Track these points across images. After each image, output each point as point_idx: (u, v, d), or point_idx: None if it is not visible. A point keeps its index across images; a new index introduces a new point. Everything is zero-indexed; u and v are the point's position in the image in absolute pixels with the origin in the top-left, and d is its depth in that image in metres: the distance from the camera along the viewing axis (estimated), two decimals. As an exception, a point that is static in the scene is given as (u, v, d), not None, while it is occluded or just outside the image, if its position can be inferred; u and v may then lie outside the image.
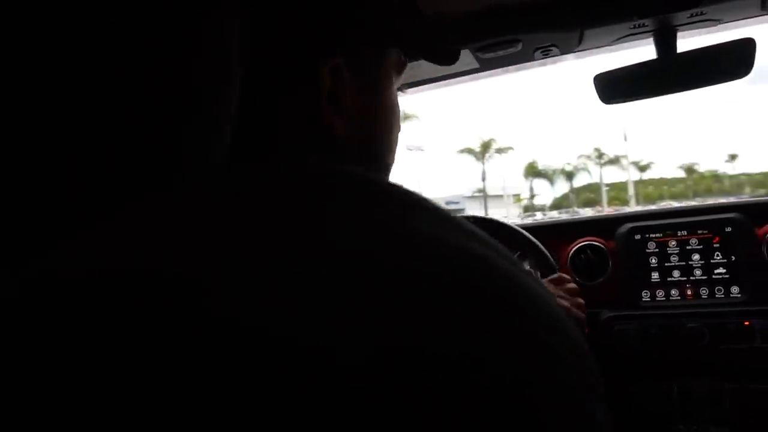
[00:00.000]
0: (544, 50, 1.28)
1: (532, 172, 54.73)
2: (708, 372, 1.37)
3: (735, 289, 1.34)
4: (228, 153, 0.39)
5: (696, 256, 1.38)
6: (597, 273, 1.47)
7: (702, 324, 1.31)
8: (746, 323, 1.28)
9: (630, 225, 1.45)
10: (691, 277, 1.38)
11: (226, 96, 0.39)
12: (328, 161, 0.47)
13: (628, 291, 1.44)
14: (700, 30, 1.23)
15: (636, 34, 1.22)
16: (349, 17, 0.49)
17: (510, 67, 1.39)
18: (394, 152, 0.58)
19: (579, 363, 0.30)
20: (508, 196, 55.53)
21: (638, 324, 1.37)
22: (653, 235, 1.42)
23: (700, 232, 1.38)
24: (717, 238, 1.36)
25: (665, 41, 1.19)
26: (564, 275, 1.11)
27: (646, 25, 1.17)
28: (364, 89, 0.52)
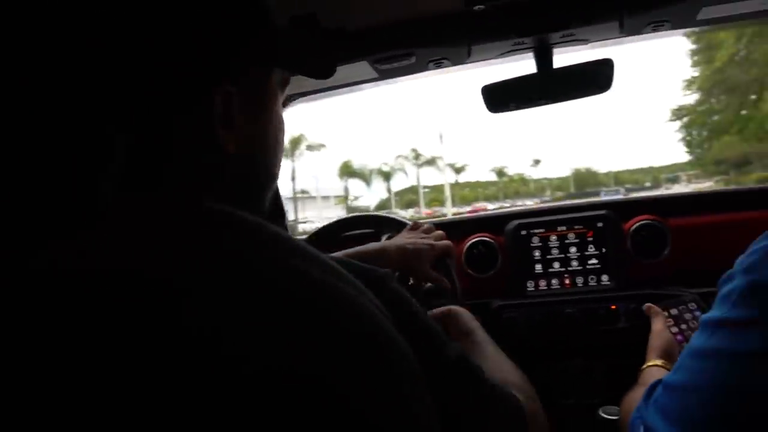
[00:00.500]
0: (437, 62, 1.36)
1: (348, 171, 51.93)
2: (583, 351, 1.53)
3: (605, 278, 1.51)
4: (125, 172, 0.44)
5: (573, 249, 1.54)
6: (488, 266, 1.60)
7: (578, 310, 1.46)
8: (613, 307, 1.45)
9: (517, 222, 1.59)
10: (569, 268, 1.54)
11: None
12: (221, 179, 0.52)
13: (516, 282, 1.57)
14: (583, 47, 1.36)
15: (518, 50, 1.33)
16: (238, 45, 0.52)
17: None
18: (281, 162, 0.63)
19: (387, 352, 0.42)
20: (326, 197, 53.47)
21: (524, 311, 1.51)
22: (537, 231, 1.56)
23: (576, 227, 1.54)
24: (591, 233, 1.52)
25: (543, 57, 1.31)
26: (418, 222, 1.23)
27: (526, 43, 1.28)
28: (253, 109, 0.55)
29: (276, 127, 0.60)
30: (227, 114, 0.50)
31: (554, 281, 1.55)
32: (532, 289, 1.56)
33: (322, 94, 1.54)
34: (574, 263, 1.53)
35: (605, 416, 1.20)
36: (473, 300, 1.57)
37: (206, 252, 0.38)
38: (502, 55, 1.36)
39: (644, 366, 1.01)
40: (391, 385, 0.41)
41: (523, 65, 1.35)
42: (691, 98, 30.31)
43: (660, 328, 1.07)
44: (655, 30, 1.25)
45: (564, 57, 1.34)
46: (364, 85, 1.49)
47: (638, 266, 1.50)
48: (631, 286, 1.47)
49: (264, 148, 0.58)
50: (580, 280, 1.53)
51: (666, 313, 1.15)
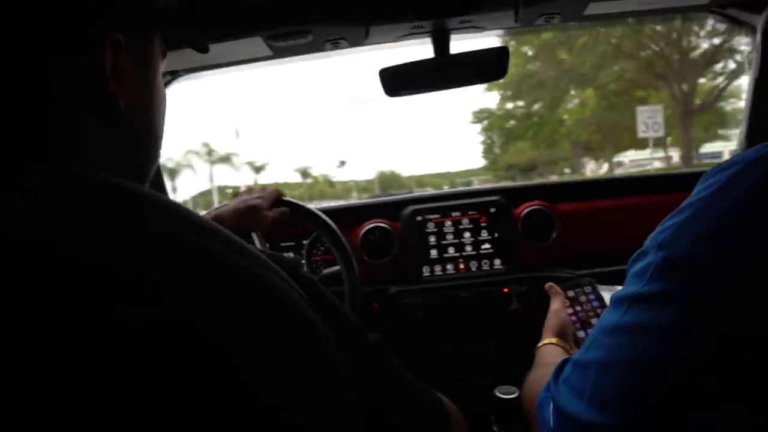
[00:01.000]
0: (334, 42, 1.31)
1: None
2: (477, 334, 1.58)
3: (497, 262, 1.56)
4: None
5: (467, 234, 1.57)
6: (384, 252, 1.59)
7: (472, 293, 1.50)
8: (505, 290, 1.50)
9: (412, 207, 1.59)
10: (463, 253, 1.57)
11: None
12: (112, 136, 0.48)
13: (412, 267, 1.58)
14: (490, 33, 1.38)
15: (416, 33, 1.31)
16: None
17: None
18: (164, 130, 0.59)
19: (297, 330, 0.41)
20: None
21: (421, 297, 1.52)
22: (432, 217, 1.58)
23: (470, 213, 1.57)
24: (484, 218, 1.56)
25: (440, 42, 1.30)
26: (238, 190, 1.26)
27: (424, 27, 1.26)
28: (138, 69, 0.52)
29: (160, 92, 0.57)
30: (116, 66, 0.47)
31: (449, 266, 1.57)
32: (428, 274, 1.57)
33: (213, 70, 1.43)
34: (468, 248, 1.57)
35: (501, 396, 1.23)
36: (370, 286, 1.56)
37: (107, 227, 0.36)
38: (401, 38, 1.34)
39: (540, 344, 1.03)
40: (304, 363, 0.39)
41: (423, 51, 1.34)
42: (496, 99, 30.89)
43: (558, 307, 1.09)
44: (547, 21, 1.29)
45: (462, 44, 1.36)
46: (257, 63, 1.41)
47: (528, 250, 1.56)
48: (522, 269, 1.54)
49: (151, 110, 0.55)
50: (473, 265, 1.56)
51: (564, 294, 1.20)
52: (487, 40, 1.43)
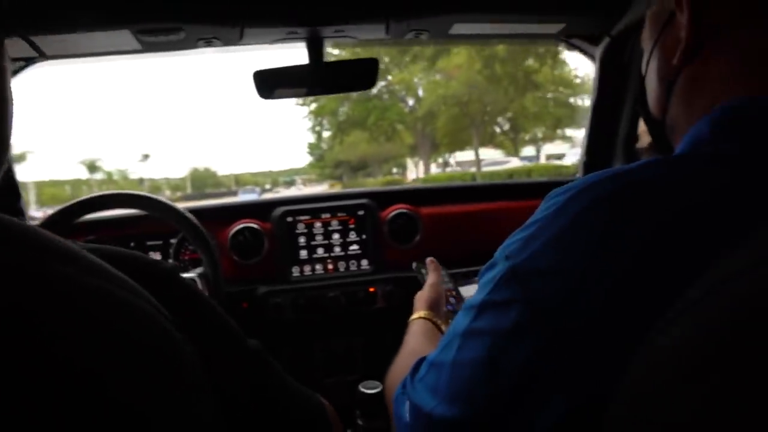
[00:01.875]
0: (207, 41, 1.29)
1: None
2: (344, 332, 1.63)
3: (365, 262, 1.62)
4: None
5: (336, 236, 1.61)
6: (254, 253, 1.59)
7: (340, 293, 1.55)
8: (371, 289, 1.56)
9: (283, 209, 1.60)
10: (332, 254, 1.61)
11: None
12: None
13: (281, 268, 1.59)
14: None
15: (291, 38, 1.32)
16: None
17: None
18: (10, 131, 0.53)
19: (162, 354, 0.39)
20: None
21: (290, 297, 1.54)
22: (302, 218, 1.60)
23: (340, 215, 1.61)
24: (352, 220, 1.61)
25: (314, 49, 1.33)
26: None
27: (299, 33, 1.28)
28: None
29: (7, 83, 0.51)
30: None
31: (318, 266, 1.60)
32: (298, 274, 1.59)
33: (76, 59, 1.34)
34: (337, 249, 1.61)
35: (365, 391, 1.29)
36: (239, 286, 1.55)
37: None
38: (276, 41, 1.35)
39: (412, 317, 1.04)
40: (167, 385, 0.38)
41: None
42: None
43: (434, 281, 1.11)
44: (416, 37, 1.36)
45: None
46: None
47: (394, 251, 1.63)
48: (388, 269, 1.61)
49: (4, 117, 0.49)
50: (342, 265, 1.61)
51: (426, 272, 1.24)
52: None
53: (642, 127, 1.62)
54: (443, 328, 1.00)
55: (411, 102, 24.44)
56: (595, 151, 1.72)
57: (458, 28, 1.35)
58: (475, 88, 20.21)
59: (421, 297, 1.08)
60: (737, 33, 0.50)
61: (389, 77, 23.14)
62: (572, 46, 1.60)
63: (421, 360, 0.64)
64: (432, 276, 1.14)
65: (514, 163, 22.26)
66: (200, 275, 1.32)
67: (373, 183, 25.20)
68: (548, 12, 1.34)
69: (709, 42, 0.52)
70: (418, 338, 0.95)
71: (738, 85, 0.50)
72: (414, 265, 1.23)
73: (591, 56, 1.61)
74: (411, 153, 27.01)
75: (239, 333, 0.54)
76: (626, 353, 0.40)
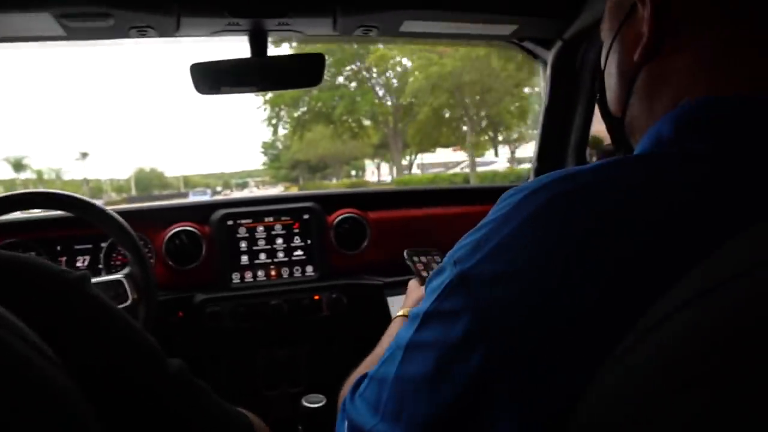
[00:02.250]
0: (140, 30, 1.21)
1: None
2: (288, 341, 1.56)
3: (309, 269, 1.55)
4: None
5: (280, 240, 1.53)
6: (191, 258, 1.50)
7: (283, 300, 1.47)
8: (316, 297, 1.49)
9: (223, 211, 1.51)
10: (275, 259, 1.53)
11: None
12: None
13: (221, 274, 1.51)
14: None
15: (231, 30, 1.25)
16: None
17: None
18: None
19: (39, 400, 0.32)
20: None
21: (229, 304, 1.46)
22: (244, 221, 1.52)
23: (283, 218, 1.54)
24: (297, 224, 1.54)
25: (257, 42, 1.26)
26: None
27: (240, 25, 1.21)
28: None
29: None
30: None
31: (260, 273, 1.53)
32: (238, 281, 1.51)
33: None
34: (281, 254, 1.54)
35: (308, 405, 1.22)
36: (174, 294, 1.46)
37: None
38: (216, 33, 1.27)
39: (395, 314, 0.98)
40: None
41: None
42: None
43: (416, 283, 1.06)
44: (365, 33, 1.31)
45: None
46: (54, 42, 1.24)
47: (340, 257, 1.57)
48: (334, 276, 1.54)
49: None
50: (285, 272, 1.54)
51: (418, 259, 1.18)
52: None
53: (600, 128, 1.62)
54: None
55: (381, 92, 21.57)
56: (547, 156, 1.71)
57: (409, 26, 1.30)
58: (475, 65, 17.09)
59: (411, 292, 1.03)
60: (699, 30, 0.48)
61: (364, 61, 20.50)
62: (523, 50, 1.58)
63: (363, 376, 0.60)
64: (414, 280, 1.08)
65: (502, 164, 20.58)
66: (127, 276, 1.24)
67: (333, 186, 23.27)
68: (500, 12, 1.31)
69: (670, 39, 0.50)
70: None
71: (700, 84, 0.48)
72: (406, 252, 1.18)
73: (543, 60, 1.59)
74: (373, 154, 25.53)
75: (156, 352, 0.49)
76: (590, 365, 0.37)
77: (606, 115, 0.64)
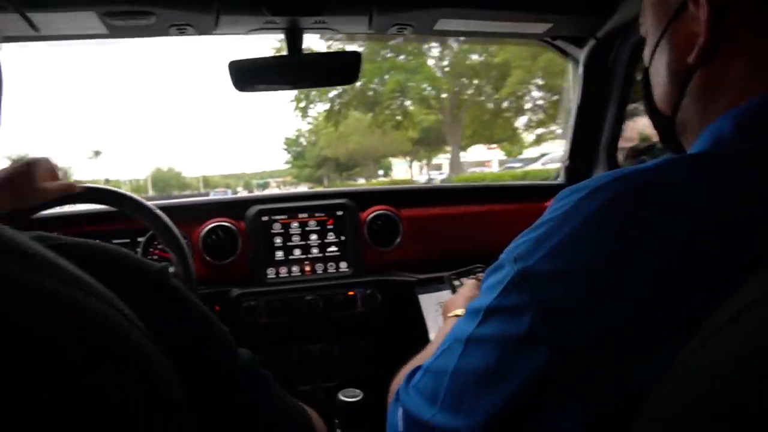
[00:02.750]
0: (180, 28, 1.24)
1: None
2: (322, 337, 1.57)
3: (343, 265, 1.56)
4: None
5: (314, 236, 1.55)
6: (227, 253, 1.52)
7: (317, 296, 1.49)
8: (350, 293, 1.51)
9: (258, 207, 1.54)
10: (310, 255, 1.55)
11: None
12: None
13: (256, 269, 1.53)
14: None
15: (269, 28, 1.28)
16: None
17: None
18: None
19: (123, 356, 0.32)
20: None
21: (264, 299, 1.48)
22: (278, 217, 1.54)
23: (317, 215, 1.56)
24: (331, 221, 1.56)
25: (293, 40, 1.28)
26: None
27: (277, 23, 1.24)
28: None
29: None
30: None
31: (295, 268, 1.55)
32: (273, 276, 1.53)
33: (37, 41, 1.27)
34: (315, 250, 1.55)
35: (344, 399, 1.23)
36: (211, 288, 1.49)
37: None
38: (253, 31, 1.30)
39: (449, 314, 0.99)
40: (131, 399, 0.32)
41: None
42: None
43: (473, 282, 1.07)
44: (400, 31, 1.33)
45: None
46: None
47: (373, 253, 1.58)
48: (367, 272, 1.56)
49: None
50: (320, 267, 1.55)
51: (459, 283, 1.20)
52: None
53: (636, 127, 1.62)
54: None
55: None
56: (578, 155, 1.71)
57: (443, 24, 1.32)
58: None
59: (461, 294, 1.03)
60: (756, 35, 0.48)
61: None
62: (555, 48, 1.59)
63: (419, 366, 0.61)
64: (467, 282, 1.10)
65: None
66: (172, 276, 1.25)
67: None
68: (535, 11, 1.32)
69: (727, 43, 0.50)
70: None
71: (758, 86, 0.48)
72: (445, 276, 1.20)
73: (574, 59, 1.59)
74: (410, 150, 22.37)
75: (229, 344, 0.51)
76: (651, 363, 0.38)
77: (654, 113, 0.63)
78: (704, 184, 0.43)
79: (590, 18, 1.40)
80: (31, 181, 0.97)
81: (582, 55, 1.54)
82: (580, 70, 1.57)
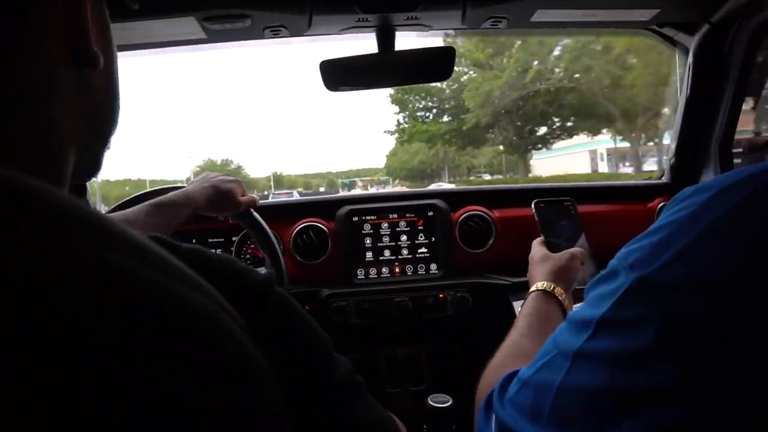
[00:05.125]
0: (274, 30, 1.26)
1: None
2: (410, 339, 1.55)
3: (433, 267, 1.53)
4: None
5: (404, 237, 1.53)
6: (318, 253, 1.53)
7: (407, 298, 1.46)
8: (441, 296, 1.47)
9: (349, 207, 1.53)
10: (399, 256, 1.53)
11: None
12: (86, 103, 0.42)
13: (346, 269, 1.53)
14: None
15: (360, 26, 1.27)
16: None
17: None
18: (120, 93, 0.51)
19: (225, 360, 0.32)
20: None
21: (353, 300, 1.47)
22: (368, 218, 1.53)
23: (408, 215, 1.53)
24: (421, 222, 1.53)
25: (385, 38, 1.27)
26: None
27: (369, 21, 1.23)
28: (102, 27, 0.44)
29: (116, 55, 0.49)
30: (89, 20, 0.40)
31: (384, 269, 1.53)
32: (363, 277, 1.52)
33: (141, 51, 1.33)
34: (405, 251, 1.53)
35: (434, 404, 1.20)
36: (301, 288, 1.50)
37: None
38: (344, 30, 1.30)
39: (531, 289, 0.95)
40: (230, 396, 0.32)
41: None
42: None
43: (577, 252, 1.01)
44: (494, 25, 1.28)
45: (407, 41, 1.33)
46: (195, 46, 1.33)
47: (464, 255, 1.54)
48: (458, 274, 1.52)
49: (114, 73, 0.47)
50: (409, 269, 1.53)
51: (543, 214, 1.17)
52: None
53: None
54: (569, 308, 0.90)
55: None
56: (686, 153, 1.58)
57: (541, 15, 1.26)
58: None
59: (535, 263, 1.01)
60: None
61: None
62: (662, 36, 1.48)
63: (512, 375, 0.58)
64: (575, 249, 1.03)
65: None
66: None
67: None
68: None
69: None
70: (531, 326, 0.85)
71: None
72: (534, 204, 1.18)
73: (683, 47, 1.48)
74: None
75: (331, 359, 0.49)
76: None
77: None
78: None
79: (703, 1, 1.29)
80: (236, 194, 1.16)
81: (693, 42, 1.43)
82: (690, 59, 1.45)
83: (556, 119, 19.67)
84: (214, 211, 1.15)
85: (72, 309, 0.26)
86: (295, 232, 1.53)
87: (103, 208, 1.45)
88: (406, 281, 1.51)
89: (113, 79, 0.47)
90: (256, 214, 1.24)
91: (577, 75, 17.73)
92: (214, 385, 0.30)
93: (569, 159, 24.17)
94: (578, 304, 0.64)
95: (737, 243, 0.40)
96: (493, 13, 1.23)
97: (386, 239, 1.53)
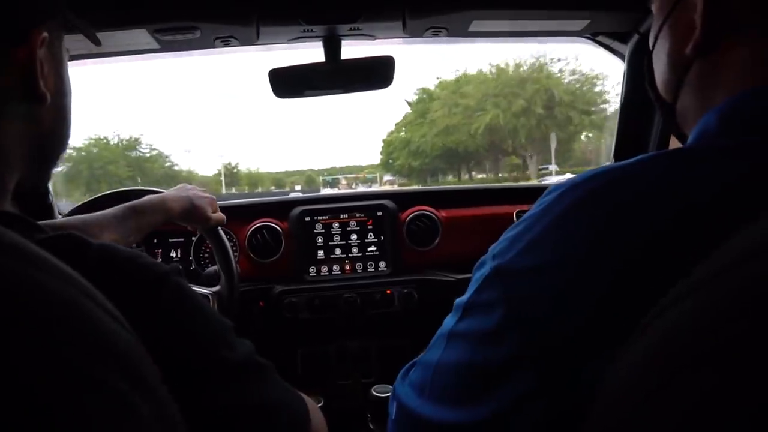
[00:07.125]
0: (224, 40, 1.30)
1: None
2: (360, 334, 1.61)
3: (382, 264, 1.59)
4: None
5: (354, 236, 1.59)
6: (271, 252, 1.58)
7: (355, 294, 1.53)
8: (388, 291, 1.54)
9: (301, 208, 1.59)
10: (350, 255, 1.59)
11: None
12: (31, 133, 0.49)
13: (297, 267, 1.59)
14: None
15: (307, 37, 1.32)
16: None
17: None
18: (71, 119, 0.58)
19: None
20: None
21: (305, 297, 1.53)
22: (320, 218, 1.59)
23: (358, 215, 1.60)
24: (371, 221, 1.60)
25: (331, 47, 1.32)
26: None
27: (315, 31, 1.28)
28: (55, 63, 0.51)
29: (69, 86, 0.56)
30: (41, 61, 0.48)
31: (335, 267, 1.59)
32: (314, 274, 1.59)
33: (95, 59, 1.38)
34: (355, 250, 1.59)
35: (377, 394, 1.27)
36: (255, 285, 1.56)
37: None
38: (292, 40, 1.35)
39: None
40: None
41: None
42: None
43: None
44: (434, 35, 1.34)
45: (358, 49, 1.38)
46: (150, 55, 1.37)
47: (412, 253, 1.61)
48: (405, 272, 1.58)
49: (64, 105, 0.54)
50: (359, 266, 1.59)
51: None
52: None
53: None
54: None
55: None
56: (626, 156, 1.65)
57: (478, 26, 1.32)
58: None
59: None
60: (750, 29, 0.48)
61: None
62: (599, 45, 1.55)
63: (414, 363, 0.63)
64: None
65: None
66: (214, 293, 1.29)
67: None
68: (572, 8, 1.30)
69: (725, 35, 0.49)
70: None
71: (751, 81, 0.47)
72: None
73: (620, 55, 1.55)
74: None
75: (227, 342, 0.52)
76: (612, 353, 0.38)
77: (657, 99, 0.62)
78: (680, 178, 0.42)
79: (632, 12, 1.35)
80: (208, 210, 1.20)
81: (627, 50, 1.50)
82: (625, 66, 1.52)
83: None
84: (186, 222, 1.20)
85: None
86: (250, 231, 1.58)
87: (66, 206, 1.48)
88: (355, 278, 1.58)
89: (63, 112, 0.54)
90: (221, 232, 1.29)
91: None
92: (59, 359, 0.30)
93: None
94: None
95: (570, 235, 0.44)
96: (432, 24, 1.29)
97: (337, 238, 1.59)
